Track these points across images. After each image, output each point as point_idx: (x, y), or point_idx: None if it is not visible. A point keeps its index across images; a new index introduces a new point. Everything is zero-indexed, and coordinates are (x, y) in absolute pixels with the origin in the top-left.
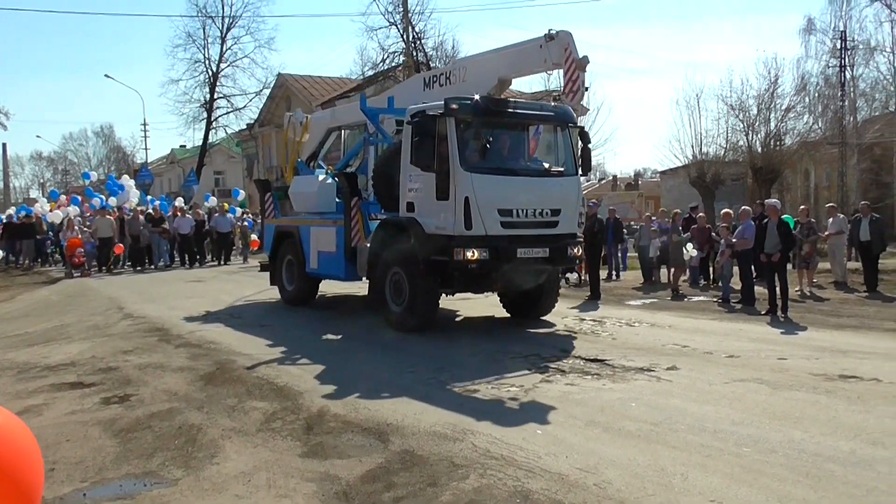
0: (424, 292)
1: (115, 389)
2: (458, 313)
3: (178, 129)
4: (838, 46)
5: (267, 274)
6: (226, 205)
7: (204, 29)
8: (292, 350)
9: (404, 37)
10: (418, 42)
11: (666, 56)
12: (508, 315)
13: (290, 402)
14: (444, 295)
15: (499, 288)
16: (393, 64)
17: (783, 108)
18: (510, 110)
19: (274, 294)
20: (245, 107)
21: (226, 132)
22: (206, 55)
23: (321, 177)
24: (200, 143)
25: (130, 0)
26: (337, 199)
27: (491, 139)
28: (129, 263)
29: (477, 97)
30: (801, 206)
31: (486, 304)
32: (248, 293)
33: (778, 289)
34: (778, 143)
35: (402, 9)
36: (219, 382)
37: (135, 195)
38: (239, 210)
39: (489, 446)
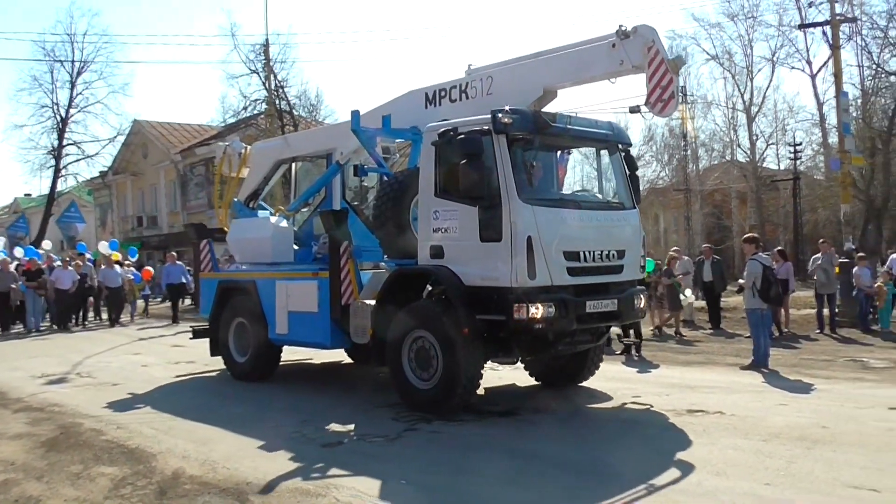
0: (469, 363)
1: None
2: (310, 359)
3: (23, 177)
4: (679, 100)
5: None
6: (115, 255)
7: (52, 73)
8: (147, 409)
9: (266, 85)
10: (281, 90)
11: None
12: (538, 382)
13: (142, 466)
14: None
15: (559, 352)
16: (255, 112)
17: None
18: (571, 127)
19: (130, 349)
20: (97, 154)
21: (76, 180)
22: (55, 100)
23: (273, 219)
24: (48, 191)
25: None
26: (294, 247)
27: (548, 163)
28: None
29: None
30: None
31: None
32: (100, 350)
33: (632, 329)
34: None
35: (263, 57)
36: (62, 448)
37: None
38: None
39: (353, 500)
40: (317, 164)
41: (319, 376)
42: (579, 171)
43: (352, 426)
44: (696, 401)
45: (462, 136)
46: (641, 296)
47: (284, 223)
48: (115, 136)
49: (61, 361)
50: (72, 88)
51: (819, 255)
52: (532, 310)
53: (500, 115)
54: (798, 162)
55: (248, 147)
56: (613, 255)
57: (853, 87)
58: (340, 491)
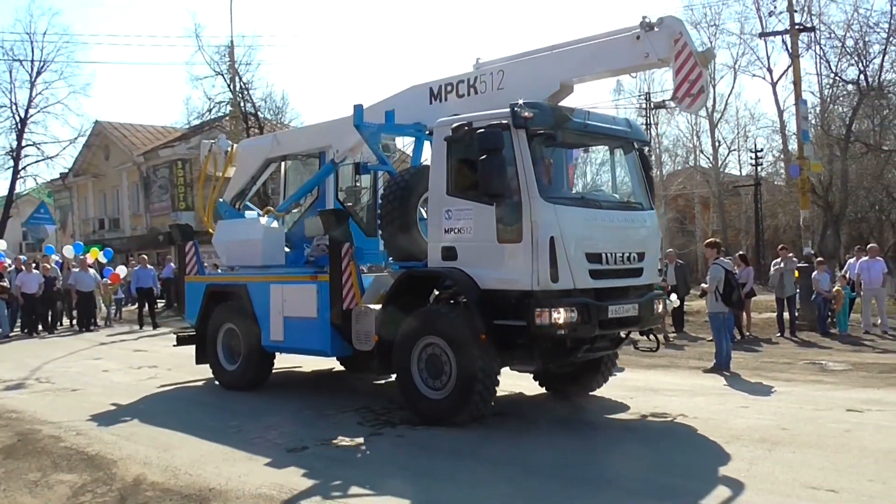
0: (486, 371)
1: None
2: (300, 367)
3: None
4: (644, 106)
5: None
6: (91, 255)
7: (10, 72)
8: (107, 415)
9: (231, 87)
10: (246, 92)
11: None
12: (546, 390)
13: (102, 473)
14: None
15: (577, 359)
16: (219, 114)
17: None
18: (590, 123)
19: (90, 354)
20: (58, 155)
21: (35, 182)
22: (13, 100)
23: (263, 220)
24: (6, 193)
25: None
26: (286, 249)
27: (565, 161)
28: None
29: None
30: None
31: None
32: (59, 355)
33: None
34: None
35: (228, 59)
36: (20, 455)
37: None
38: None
39: None
40: (306, 163)
41: (284, 382)
42: (591, 169)
43: (317, 431)
44: (659, 403)
45: (481, 130)
46: (660, 300)
47: (275, 224)
48: (76, 138)
49: (19, 366)
50: (31, 88)
51: (779, 259)
52: (555, 315)
53: (519, 108)
54: (759, 168)
55: (235, 145)
56: (634, 257)
57: (812, 95)
58: (305, 497)
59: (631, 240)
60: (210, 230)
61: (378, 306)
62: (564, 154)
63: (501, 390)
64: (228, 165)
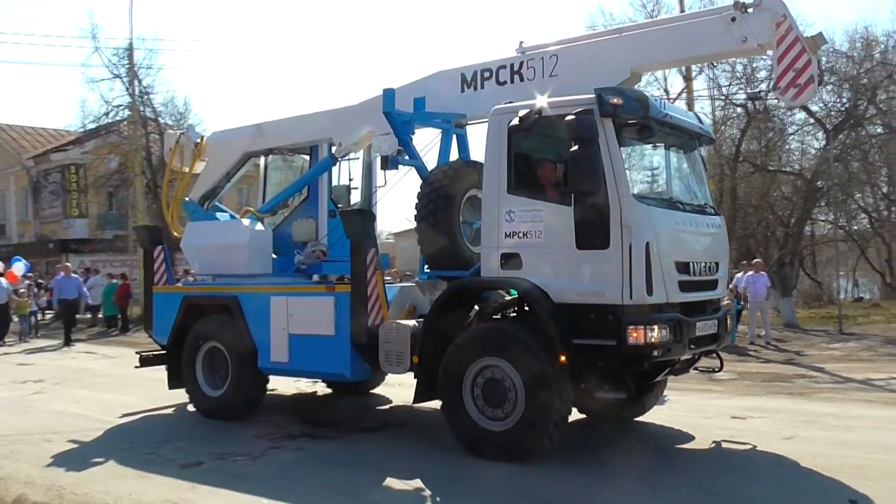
0: (563, 400)
1: None
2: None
3: None
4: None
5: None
6: None
7: None
8: None
9: (130, 91)
10: (145, 97)
11: None
12: (584, 415)
13: None
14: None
15: (654, 381)
16: (117, 118)
17: None
18: (671, 115)
19: None
20: None
21: None
22: None
23: (245, 222)
24: None
25: None
26: (273, 256)
27: (656, 157)
28: None
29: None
30: None
31: None
32: None
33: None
34: None
35: (127, 61)
36: None
37: None
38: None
39: None
40: (286, 159)
41: (181, 393)
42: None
43: (213, 445)
44: None
45: (572, 117)
46: (730, 316)
47: (260, 227)
48: None
49: None
50: None
51: None
52: (650, 334)
53: (606, 93)
54: None
55: (205, 136)
56: (713, 267)
57: (705, 117)
58: None
59: (710, 247)
60: (175, 233)
61: (412, 322)
62: (667, 148)
63: (395, 402)
64: (197, 160)
